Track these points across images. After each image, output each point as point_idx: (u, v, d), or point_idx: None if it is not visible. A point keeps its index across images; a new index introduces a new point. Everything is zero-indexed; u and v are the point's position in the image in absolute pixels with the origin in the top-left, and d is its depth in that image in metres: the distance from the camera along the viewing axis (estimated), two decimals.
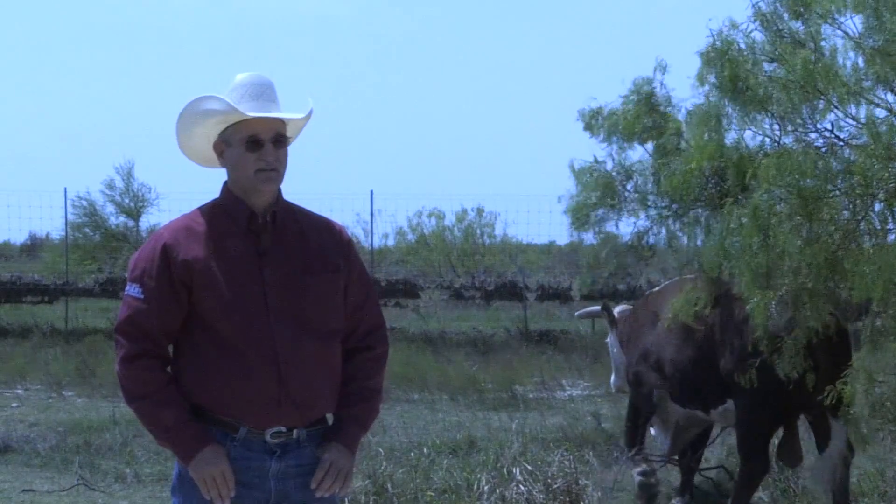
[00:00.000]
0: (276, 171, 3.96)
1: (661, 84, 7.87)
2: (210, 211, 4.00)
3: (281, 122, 3.97)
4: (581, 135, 8.03)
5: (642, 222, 7.83)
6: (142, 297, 3.91)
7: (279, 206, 4.01)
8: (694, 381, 8.09)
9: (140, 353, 3.90)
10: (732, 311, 7.68)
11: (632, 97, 7.78)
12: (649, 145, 7.86)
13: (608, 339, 9.48)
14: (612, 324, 9.20)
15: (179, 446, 3.90)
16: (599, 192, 7.78)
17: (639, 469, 8.38)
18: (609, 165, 7.97)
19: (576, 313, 11.73)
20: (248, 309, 3.89)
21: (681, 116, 7.73)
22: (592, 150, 8.04)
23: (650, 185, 7.67)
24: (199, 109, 3.96)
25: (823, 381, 6.96)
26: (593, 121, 7.86)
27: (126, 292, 3.97)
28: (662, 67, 7.88)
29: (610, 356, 9.46)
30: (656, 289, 9.07)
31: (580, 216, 7.90)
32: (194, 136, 4.02)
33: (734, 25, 6.77)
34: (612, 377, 9.44)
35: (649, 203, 7.71)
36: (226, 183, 4.03)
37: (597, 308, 9.99)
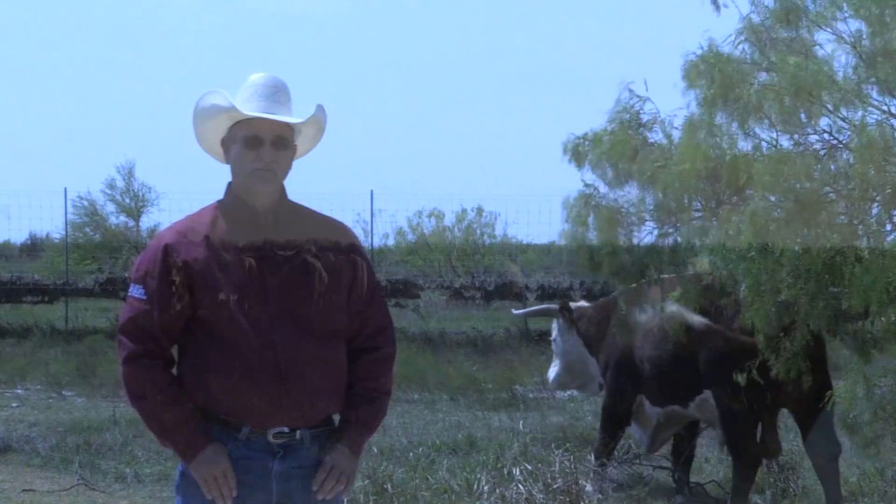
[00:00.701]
0: (273, 171, 3.94)
1: (648, 100, 7.52)
2: (213, 211, 4.00)
3: (284, 125, 3.95)
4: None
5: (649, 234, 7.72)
6: (144, 297, 3.93)
7: (282, 205, 4.01)
8: (672, 377, 8.10)
9: (142, 354, 3.91)
10: (714, 307, 7.70)
11: (615, 119, 7.48)
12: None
13: (554, 336, 9.30)
14: (572, 322, 9.09)
15: (181, 446, 3.91)
16: (603, 229, 7.60)
17: (590, 485, 8.29)
18: (600, 192, 7.69)
19: (514, 311, 11.23)
20: (249, 309, 3.90)
21: (673, 133, 7.52)
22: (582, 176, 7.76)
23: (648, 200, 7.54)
24: (205, 104, 3.98)
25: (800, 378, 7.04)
26: (580, 147, 7.57)
27: (129, 293, 3.99)
28: (636, 95, 7.49)
29: (557, 353, 9.28)
30: (632, 287, 9.00)
31: (588, 257, 7.74)
32: (206, 131, 4.03)
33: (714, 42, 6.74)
34: (554, 372, 9.30)
35: (646, 217, 7.63)
36: (230, 183, 4.03)
37: (552, 306, 9.82)
